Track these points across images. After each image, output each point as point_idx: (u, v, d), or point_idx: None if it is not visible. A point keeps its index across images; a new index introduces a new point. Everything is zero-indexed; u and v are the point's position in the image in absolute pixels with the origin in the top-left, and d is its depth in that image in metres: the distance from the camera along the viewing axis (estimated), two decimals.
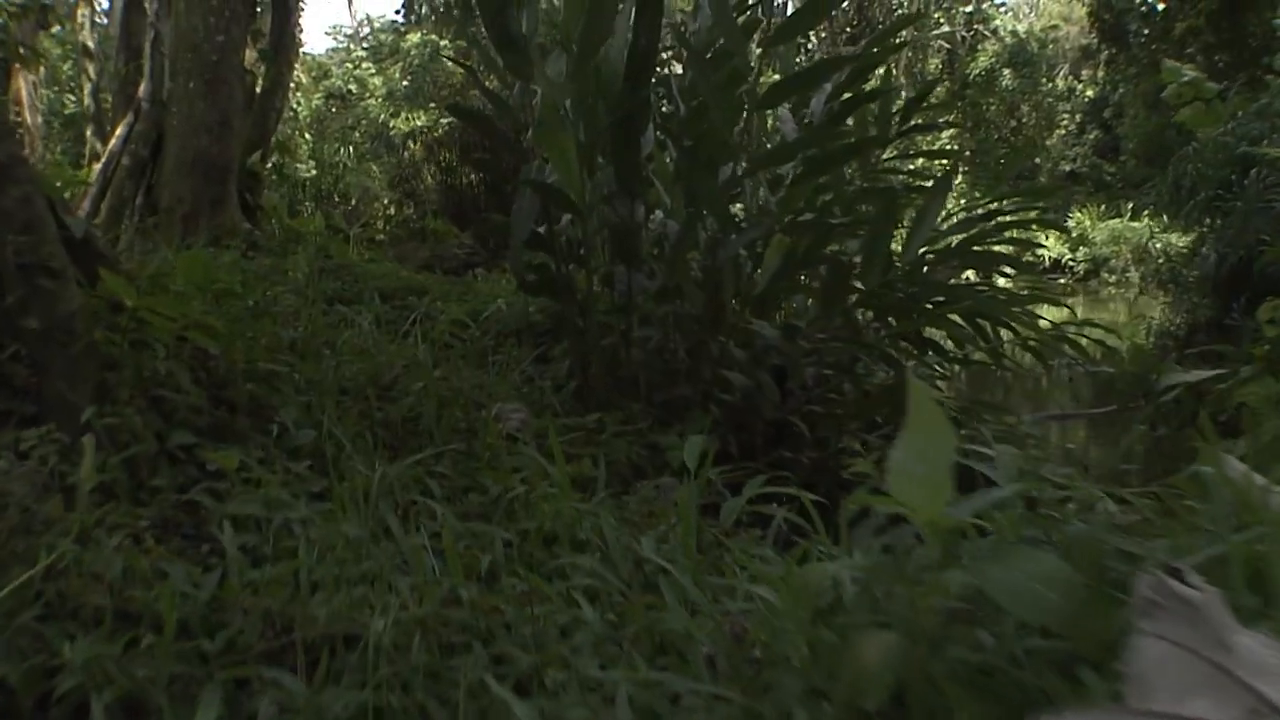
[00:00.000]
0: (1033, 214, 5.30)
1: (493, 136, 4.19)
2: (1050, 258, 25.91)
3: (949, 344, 5.04)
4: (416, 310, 5.21)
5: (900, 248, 4.61)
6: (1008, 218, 5.16)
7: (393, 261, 8.22)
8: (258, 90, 8.11)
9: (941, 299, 4.69)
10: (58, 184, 7.38)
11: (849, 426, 4.85)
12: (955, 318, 4.57)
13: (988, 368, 5.29)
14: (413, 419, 3.20)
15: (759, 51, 4.36)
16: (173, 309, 2.48)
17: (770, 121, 5.15)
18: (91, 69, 13.44)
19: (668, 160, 4.62)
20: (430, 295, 5.89)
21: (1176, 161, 10.04)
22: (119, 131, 7.17)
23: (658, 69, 4.32)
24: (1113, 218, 26.15)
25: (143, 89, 7.15)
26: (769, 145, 4.83)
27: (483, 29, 4.37)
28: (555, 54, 4.34)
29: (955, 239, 4.45)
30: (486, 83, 4.44)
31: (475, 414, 3.28)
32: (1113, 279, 24.42)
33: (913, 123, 5.46)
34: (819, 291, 4.07)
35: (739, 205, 4.93)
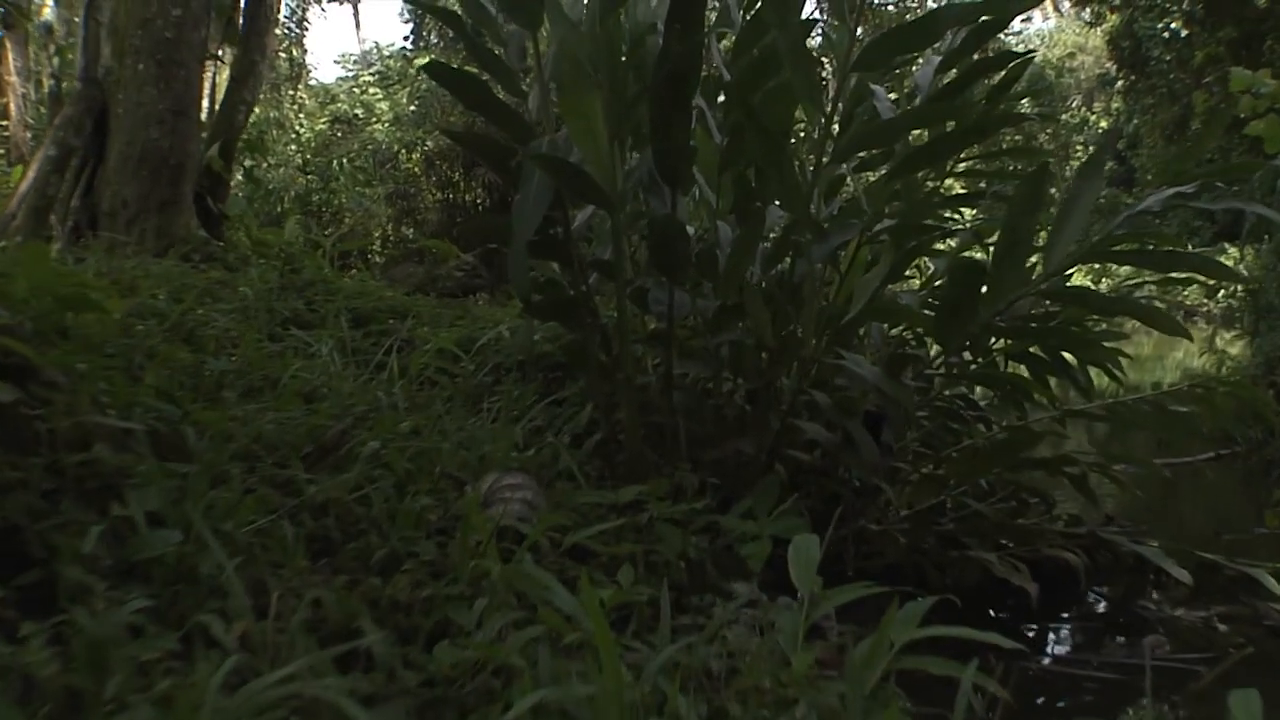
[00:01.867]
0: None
1: (485, 109, 3.07)
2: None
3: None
4: (396, 337, 4.12)
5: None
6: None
7: (380, 282, 7.14)
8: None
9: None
10: None
11: (947, 490, 3.75)
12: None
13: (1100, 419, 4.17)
14: (361, 501, 2.10)
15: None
16: None
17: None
18: (54, 50, 12.40)
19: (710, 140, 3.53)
20: (416, 319, 4.79)
21: (1261, 178, 8.93)
22: (56, 121, 6.14)
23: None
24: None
25: (77, 66, 6.10)
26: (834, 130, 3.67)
27: None
28: None
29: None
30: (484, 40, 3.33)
31: (455, 493, 2.18)
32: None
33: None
34: (940, 313, 2.96)
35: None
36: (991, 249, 5.18)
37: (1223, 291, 16.01)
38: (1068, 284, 3.45)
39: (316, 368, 3.36)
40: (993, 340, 3.51)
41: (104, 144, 6.04)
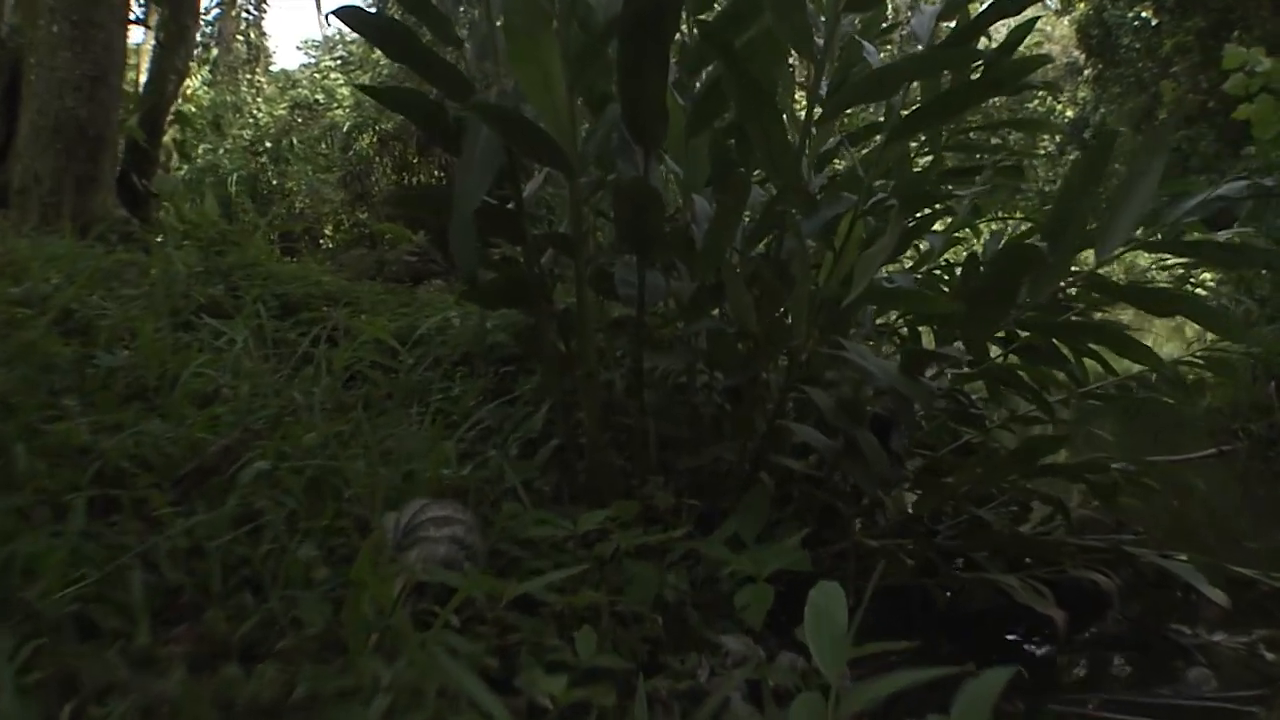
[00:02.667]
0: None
1: (413, 59, 2.57)
2: None
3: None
4: (326, 327, 3.61)
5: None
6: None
7: (327, 267, 6.60)
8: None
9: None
10: None
11: (958, 500, 3.32)
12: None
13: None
14: (243, 541, 1.61)
15: None
16: None
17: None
18: None
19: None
20: (354, 307, 4.28)
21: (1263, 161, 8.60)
22: None
23: None
24: None
25: None
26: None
27: None
28: None
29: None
30: None
31: (359, 531, 1.70)
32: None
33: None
34: (975, 301, 2.51)
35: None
36: (984, 227, 4.77)
37: (1191, 280, 15.78)
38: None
39: (226, 363, 2.87)
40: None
41: (14, 113, 5.48)
